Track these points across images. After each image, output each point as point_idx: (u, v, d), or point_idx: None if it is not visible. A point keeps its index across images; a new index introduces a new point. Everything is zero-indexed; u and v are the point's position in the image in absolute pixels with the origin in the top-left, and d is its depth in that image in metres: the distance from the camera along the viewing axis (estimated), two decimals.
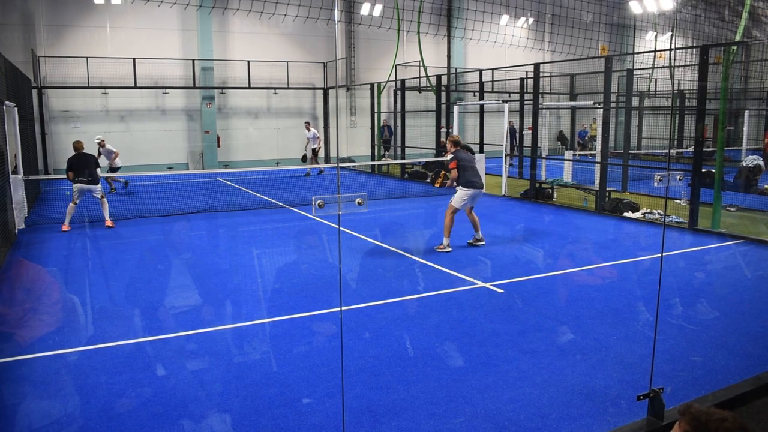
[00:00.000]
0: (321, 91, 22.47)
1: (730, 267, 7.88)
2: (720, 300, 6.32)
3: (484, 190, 9.09)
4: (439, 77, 17.84)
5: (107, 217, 10.43)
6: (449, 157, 8.70)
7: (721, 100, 9.78)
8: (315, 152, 18.23)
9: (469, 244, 8.64)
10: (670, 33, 27.00)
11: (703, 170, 10.17)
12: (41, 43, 18.19)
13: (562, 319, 5.71)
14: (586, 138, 24.04)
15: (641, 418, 3.36)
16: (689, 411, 1.90)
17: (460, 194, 8.46)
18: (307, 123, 18.58)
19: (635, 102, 19.50)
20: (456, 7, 23.53)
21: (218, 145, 20.79)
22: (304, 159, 18.71)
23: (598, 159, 12.74)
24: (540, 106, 13.66)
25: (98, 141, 14.48)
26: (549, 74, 24.84)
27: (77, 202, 10.30)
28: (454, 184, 8.61)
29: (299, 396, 4.17)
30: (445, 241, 8.35)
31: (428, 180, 9.10)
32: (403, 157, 19.71)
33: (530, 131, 13.51)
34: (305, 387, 4.30)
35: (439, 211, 13.10)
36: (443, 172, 9.10)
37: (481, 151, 16.85)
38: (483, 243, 8.63)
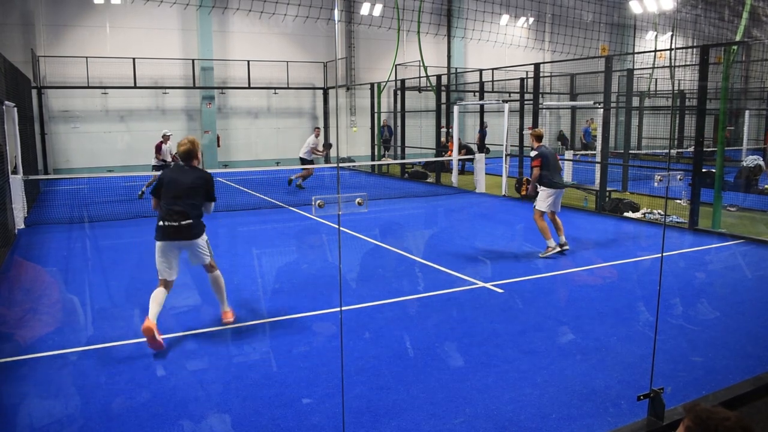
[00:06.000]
0: (321, 91, 22.46)
1: (730, 267, 7.88)
2: (720, 300, 6.32)
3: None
4: (439, 77, 17.83)
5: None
6: (533, 153, 8.15)
7: (722, 100, 9.78)
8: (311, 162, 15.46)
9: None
10: (670, 33, 27.00)
11: (704, 170, 10.17)
12: (41, 43, 18.18)
13: (562, 320, 5.70)
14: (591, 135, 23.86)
15: (641, 419, 3.35)
16: (694, 408, 1.91)
17: (544, 194, 7.93)
18: (317, 129, 16.12)
19: (635, 102, 19.49)
20: (456, 7, 23.52)
21: (218, 145, 20.77)
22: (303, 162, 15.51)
23: (598, 159, 12.73)
24: (540, 106, 13.66)
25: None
26: (549, 74, 24.83)
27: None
28: (536, 185, 8.02)
29: (299, 396, 4.16)
30: (551, 243, 7.86)
31: (523, 192, 8.63)
32: (403, 157, 19.71)
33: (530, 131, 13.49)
34: (305, 387, 4.30)
35: (439, 210, 13.10)
36: (526, 178, 8.61)
37: (481, 150, 16.87)
38: (567, 248, 8.00)
